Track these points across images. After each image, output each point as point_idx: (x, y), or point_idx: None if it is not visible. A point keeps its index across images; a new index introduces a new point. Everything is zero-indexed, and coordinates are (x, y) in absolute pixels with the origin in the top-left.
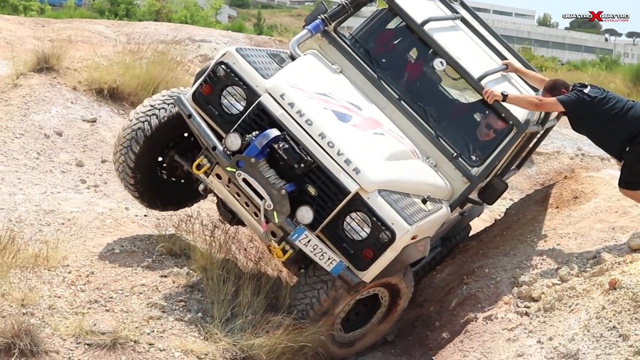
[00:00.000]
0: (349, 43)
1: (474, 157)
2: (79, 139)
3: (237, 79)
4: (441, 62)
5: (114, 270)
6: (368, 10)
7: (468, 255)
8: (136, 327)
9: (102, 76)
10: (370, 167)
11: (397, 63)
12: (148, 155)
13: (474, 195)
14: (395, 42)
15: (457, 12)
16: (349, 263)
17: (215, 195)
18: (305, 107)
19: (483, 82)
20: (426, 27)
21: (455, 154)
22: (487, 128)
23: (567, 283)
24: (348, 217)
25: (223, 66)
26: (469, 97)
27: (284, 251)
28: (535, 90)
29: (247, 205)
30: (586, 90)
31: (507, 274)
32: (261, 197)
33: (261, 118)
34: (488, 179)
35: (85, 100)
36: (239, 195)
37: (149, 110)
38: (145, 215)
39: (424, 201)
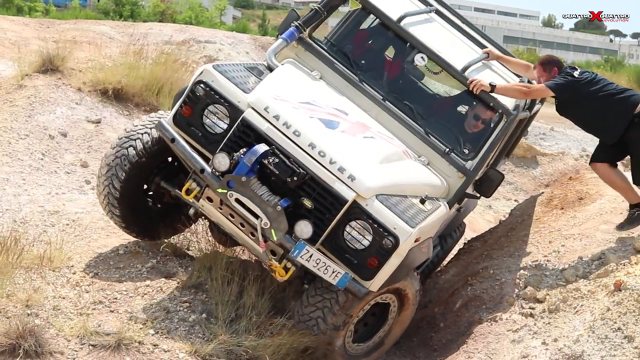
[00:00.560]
0: (325, 48)
1: (466, 151)
2: (84, 139)
3: (217, 96)
4: (422, 58)
5: (119, 271)
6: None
7: (472, 257)
8: (140, 328)
9: (107, 77)
10: (364, 172)
11: (377, 63)
12: (134, 183)
13: (470, 189)
14: (372, 42)
15: (430, 5)
16: (354, 274)
17: (207, 218)
18: (291, 118)
19: (466, 73)
20: (402, 23)
21: (447, 150)
22: (476, 119)
23: (572, 284)
24: (348, 226)
25: (202, 85)
26: (453, 90)
27: (286, 269)
28: (519, 76)
29: (243, 225)
30: (576, 73)
31: (512, 275)
32: (256, 216)
33: (247, 134)
34: (482, 170)
35: (89, 101)
36: (232, 217)
37: (131, 136)
38: None
39: (423, 201)
